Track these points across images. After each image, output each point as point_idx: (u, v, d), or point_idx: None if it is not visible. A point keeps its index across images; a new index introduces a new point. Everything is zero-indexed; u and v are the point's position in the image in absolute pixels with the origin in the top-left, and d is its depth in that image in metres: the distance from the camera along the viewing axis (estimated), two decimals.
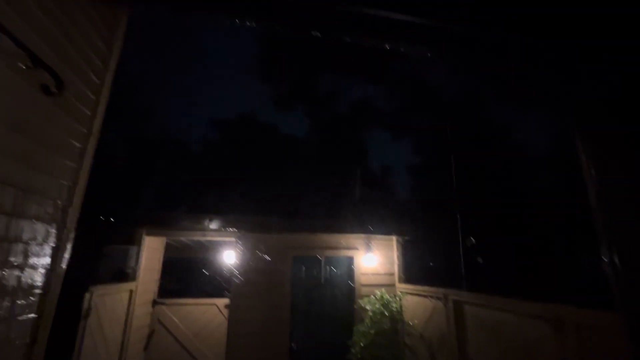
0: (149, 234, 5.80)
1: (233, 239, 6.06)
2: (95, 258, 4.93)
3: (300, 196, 12.54)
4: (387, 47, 0.90)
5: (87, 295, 3.75)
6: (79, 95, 1.64)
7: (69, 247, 1.64)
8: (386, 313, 5.37)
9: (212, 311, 6.33)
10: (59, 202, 1.58)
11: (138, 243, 5.64)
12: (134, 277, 5.35)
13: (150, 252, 6.00)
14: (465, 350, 4.09)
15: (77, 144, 1.69)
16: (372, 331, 5.22)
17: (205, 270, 8.00)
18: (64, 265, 1.62)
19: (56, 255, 1.56)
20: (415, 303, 5.39)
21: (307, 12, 0.83)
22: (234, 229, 6.04)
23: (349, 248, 6.34)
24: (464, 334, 4.17)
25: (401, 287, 6.00)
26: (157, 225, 5.98)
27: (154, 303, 6.07)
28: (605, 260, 0.65)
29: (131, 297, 5.16)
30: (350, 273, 6.22)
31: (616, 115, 0.65)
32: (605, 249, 0.65)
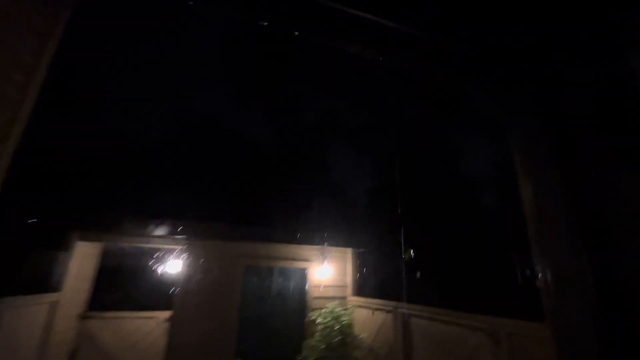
0: (83, 239, 5.21)
1: (181, 246, 5.67)
2: (12, 265, 4.29)
3: (256, 204, 12.23)
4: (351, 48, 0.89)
5: None
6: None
7: None
8: (336, 326, 5.34)
9: (149, 325, 5.81)
10: None
11: (69, 248, 5.03)
12: (59, 287, 4.74)
13: (83, 259, 5.38)
14: None
15: None
16: (322, 345, 5.15)
17: (146, 280, 7.36)
18: None
19: None
20: (366, 316, 5.45)
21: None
22: (183, 236, 5.66)
23: (303, 259, 6.27)
24: (410, 345, 4.28)
25: (353, 299, 6.04)
26: (94, 229, 5.40)
27: (82, 316, 5.41)
28: (538, 273, 0.68)
29: (53, 310, 4.54)
30: (303, 285, 6.13)
31: (549, 128, 0.71)
32: (538, 262, 0.69)
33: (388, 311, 4.83)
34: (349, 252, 6.55)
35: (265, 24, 0.85)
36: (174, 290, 5.42)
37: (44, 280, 4.70)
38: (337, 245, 6.49)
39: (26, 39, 1.51)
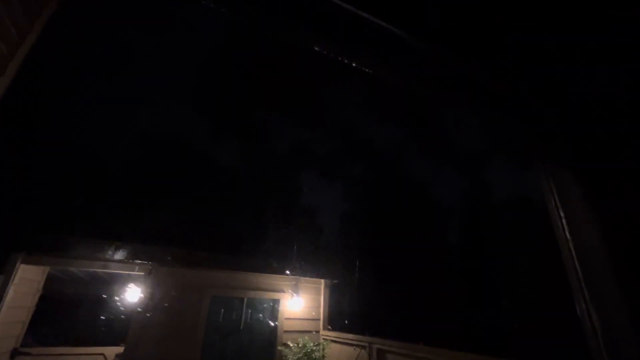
0: (26, 262, 4.61)
1: (142, 273, 5.20)
2: None
3: (225, 231, 11.72)
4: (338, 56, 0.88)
5: None
6: None
7: None
8: None
9: None
10: None
11: (8, 273, 4.41)
12: None
13: (23, 284, 4.73)
14: None
15: None
16: None
17: (96, 310, 6.58)
18: None
19: None
20: (340, 351, 5.22)
21: None
22: (142, 261, 5.21)
23: (274, 290, 5.98)
24: None
25: (325, 334, 5.79)
26: (40, 251, 4.81)
27: (14, 353, 4.66)
28: (582, 317, 0.68)
29: None
30: (273, 317, 5.80)
31: (581, 161, 0.73)
32: (582, 303, 0.69)
33: (362, 347, 4.67)
34: (322, 284, 6.37)
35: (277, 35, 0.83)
36: (129, 323, 4.87)
37: None
38: (310, 275, 6.30)
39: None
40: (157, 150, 15.04)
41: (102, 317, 6.38)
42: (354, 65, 0.98)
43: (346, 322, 5.97)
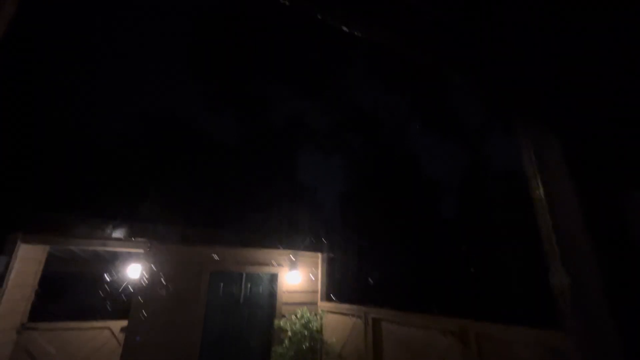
0: (25, 241, 4.67)
1: (141, 250, 5.28)
2: None
3: (224, 207, 11.82)
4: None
5: None
6: None
7: None
8: (306, 333, 5.26)
9: (102, 336, 5.33)
10: None
11: (9, 252, 4.47)
12: None
13: (25, 263, 4.82)
14: None
15: None
16: (291, 352, 5.04)
17: (99, 287, 6.76)
18: None
19: None
20: (336, 321, 5.42)
21: None
22: (143, 239, 5.29)
23: (273, 264, 6.12)
24: (380, 350, 4.31)
25: (323, 305, 6.00)
26: (39, 230, 4.86)
27: (22, 328, 4.83)
28: (554, 275, 0.69)
29: None
30: (272, 291, 5.97)
31: (561, 126, 0.72)
32: (552, 267, 0.70)
33: (358, 316, 4.85)
34: (319, 257, 6.52)
35: (287, 3, 0.78)
36: (132, 298, 5.01)
37: None
38: (308, 250, 6.43)
39: None
40: (153, 128, 14.85)
41: (105, 294, 6.57)
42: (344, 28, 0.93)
43: (344, 294, 6.15)
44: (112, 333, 5.38)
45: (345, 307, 5.34)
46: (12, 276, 4.43)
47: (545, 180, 0.73)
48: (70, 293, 6.42)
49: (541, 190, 0.73)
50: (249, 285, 5.82)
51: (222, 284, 5.63)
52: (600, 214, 0.66)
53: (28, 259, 4.93)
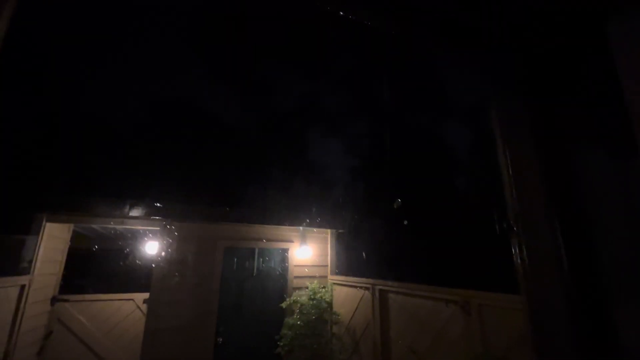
0: (51, 220, 4.98)
1: (158, 228, 5.54)
2: None
3: (236, 185, 12.09)
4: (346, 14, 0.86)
5: None
6: None
7: None
8: (315, 304, 5.49)
9: (127, 307, 5.73)
10: None
11: (36, 231, 4.79)
12: (27, 271, 4.54)
13: (52, 241, 5.16)
14: (388, 335, 4.41)
15: None
16: (301, 323, 5.29)
17: (122, 262, 7.19)
18: None
19: None
20: (345, 293, 5.62)
21: None
22: (160, 217, 5.53)
23: (284, 240, 6.31)
24: (387, 320, 4.48)
25: (333, 278, 6.19)
26: (63, 210, 5.15)
27: (54, 300, 5.25)
28: (515, 248, 0.72)
29: (22, 294, 4.37)
30: (283, 265, 6.20)
31: (526, 100, 0.72)
32: (515, 238, 0.73)
33: (366, 288, 5.00)
34: (328, 233, 6.66)
35: None
36: (152, 273, 5.33)
37: (10, 264, 4.48)
38: (317, 226, 6.57)
39: None
40: (168, 113, 15.08)
41: (128, 268, 6.99)
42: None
43: (352, 268, 6.32)
44: (136, 304, 5.77)
45: (353, 279, 5.50)
46: (41, 252, 4.77)
47: (511, 150, 0.74)
48: (96, 268, 6.86)
49: (507, 163, 0.75)
50: (261, 260, 6.05)
51: (235, 259, 5.88)
52: (561, 190, 0.68)
53: (55, 237, 5.27)
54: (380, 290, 4.66)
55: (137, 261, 6.95)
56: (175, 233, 5.54)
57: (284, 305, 5.63)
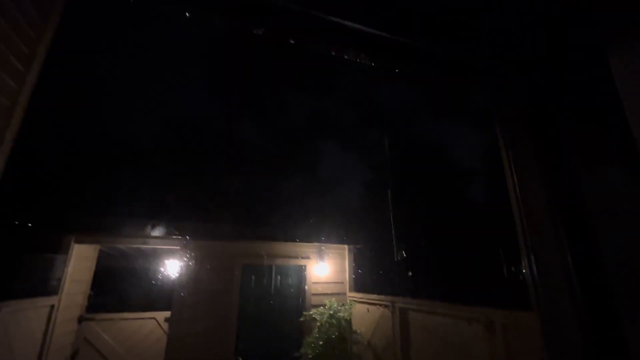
0: (79, 242, 5.20)
1: (178, 247, 5.68)
2: (8, 269, 4.27)
3: (253, 204, 12.27)
4: (332, 52, 0.93)
5: None
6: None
7: None
8: (335, 322, 5.40)
9: (149, 325, 5.83)
10: None
11: (65, 251, 5.02)
12: (56, 291, 4.73)
13: (80, 261, 5.37)
14: (408, 353, 4.27)
15: None
16: (321, 342, 5.21)
17: (144, 280, 7.36)
18: None
19: None
20: (364, 311, 5.51)
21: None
22: (180, 236, 5.68)
23: (301, 257, 6.31)
24: (407, 338, 4.35)
25: (351, 295, 6.10)
26: (90, 232, 5.39)
27: (81, 319, 5.41)
28: (525, 264, 0.73)
29: (52, 314, 4.54)
30: (301, 282, 6.17)
31: (533, 122, 0.74)
32: (524, 254, 0.74)
33: (385, 306, 4.90)
34: (346, 249, 6.61)
35: (260, 32, 0.88)
36: (173, 291, 5.43)
37: (41, 284, 4.69)
38: (335, 242, 6.54)
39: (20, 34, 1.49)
40: (184, 134, 15.69)
41: (150, 287, 7.14)
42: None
43: (371, 284, 6.21)
44: (158, 323, 5.86)
45: (373, 297, 5.40)
46: (69, 272, 4.98)
47: (518, 174, 0.76)
48: (120, 286, 7.05)
49: (513, 183, 0.76)
50: (278, 277, 6.06)
51: (253, 277, 5.92)
52: (566, 204, 0.69)
53: (82, 257, 5.49)
54: (400, 307, 4.55)
55: (158, 279, 7.11)
56: (195, 251, 5.66)
57: (302, 318, 5.59)
